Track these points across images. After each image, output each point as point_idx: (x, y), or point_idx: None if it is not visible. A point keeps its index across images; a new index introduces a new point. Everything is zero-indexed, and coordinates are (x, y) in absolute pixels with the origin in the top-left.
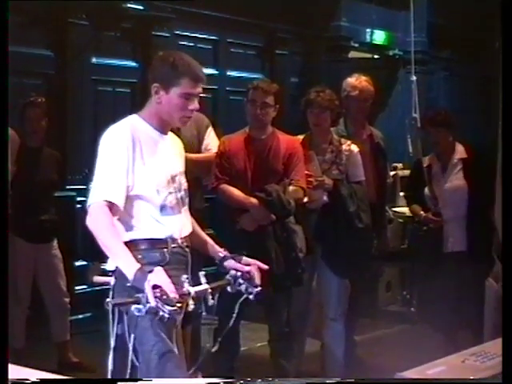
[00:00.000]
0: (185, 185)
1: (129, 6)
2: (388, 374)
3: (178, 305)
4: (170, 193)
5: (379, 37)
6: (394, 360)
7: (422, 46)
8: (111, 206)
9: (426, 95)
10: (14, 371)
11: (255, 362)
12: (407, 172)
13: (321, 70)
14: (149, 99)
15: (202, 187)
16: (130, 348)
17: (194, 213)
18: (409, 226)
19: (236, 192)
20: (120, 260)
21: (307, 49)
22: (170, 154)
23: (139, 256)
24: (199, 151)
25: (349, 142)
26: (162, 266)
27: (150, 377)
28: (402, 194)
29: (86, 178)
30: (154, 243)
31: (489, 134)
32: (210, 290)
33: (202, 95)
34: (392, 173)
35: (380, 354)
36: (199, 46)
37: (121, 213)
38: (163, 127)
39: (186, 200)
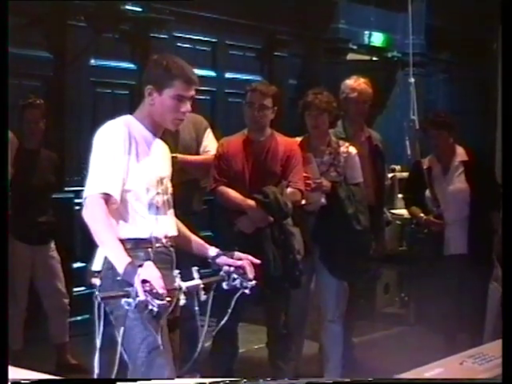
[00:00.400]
0: (170, 189)
1: (127, 8)
2: (386, 376)
3: (168, 299)
4: (158, 193)
5: (378, 39)
6: (392, 362)
7: (420, 48)
8: (107, 199)
9: (425, 97)
10: (13, 373)
11: (253, 364)
12: (405, 174)
13: (319, 71)
14: (142, 101)
15: (200, 189)
16: (119, 343)
17: (192, 214)
18: (407, 229)
19: (234, 194)
20: (112, 253)
21: (306, 51)
22: (160, 157)
23: None
24: (197, 153)
25: (347, 144)
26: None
27: (137, 374)
28: (400, 196)
29: (85, 180)
30: (139, 243)
31: (487, 136)
32: (202, 285)
33: (197, 97)
34: (390, 175)
35: (378, 356)
36: (198, 47)
37: (112, 208)
38: (156, 129)
39: (172, 204)
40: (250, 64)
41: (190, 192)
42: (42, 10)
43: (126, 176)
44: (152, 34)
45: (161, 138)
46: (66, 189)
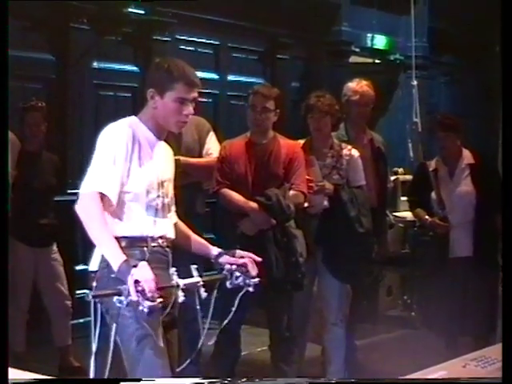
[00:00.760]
0: (171, 193)
1: (130, 10)
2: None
3: (159, 300)
4: (158, 196)
5: (380, 42)
6: (395, 365)
7: (422, 50)
8: (102, 198)
9: (427, 100)
10: (15, 375)
11: (256, 367)
12: (408, 177)
13: (322, 74)
14: (146, 104)
15: (202, 192)
16: (112, 341)
17: (194, 217)
18: (410, 231)
19: (236, 196)
20: (107, 250)
21: (308, 53)
22: (162, 160)
23: None
24: (200, 156)
25: (349, 147)
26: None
27: (132, 372)
28: (403, 198)
29: None
30: (134, 241)
31: (490, 139)
32: (202, 283)
33: (199, 100)
34: (393, 177)
35: (380, 359)
36: (200, 50)
37: (108, 207)
38: (159, 132)
39: (172, 207)
40: (252, 67)
41: (192, 194)
42: (45, 13)
43: (126, 179)
44: (154, 37)
45: (164, 141)
46: (69, 191)
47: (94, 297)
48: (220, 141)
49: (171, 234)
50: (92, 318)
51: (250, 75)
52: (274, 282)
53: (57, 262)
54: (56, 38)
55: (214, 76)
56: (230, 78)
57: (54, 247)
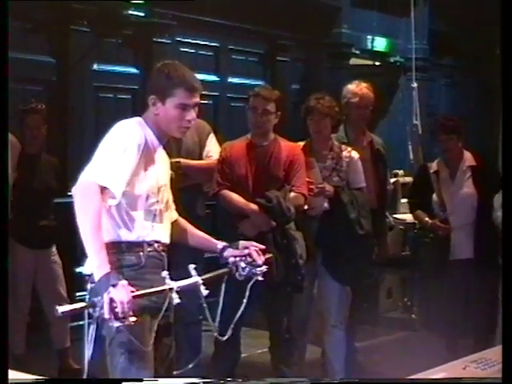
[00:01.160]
0: (167, 198)
1: (130, 12)
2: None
3: (133, 319)
4: (157, 201)
5: (380, 44)
6: (395, 367)
7: (423, 53)
8: (103, 192)
9: (427, 102)
10: (15, 377)
11: (256, 369)
12: (408, 179)
13: (322, 76)
14: (146, 109)
15: (203, 194)
16: (91, 340)
17: (195, 219)
18: (410, 233)
19: (236, 198)
20: (94, 255)
21: (308, 55)
22: (162, 165)
23: (115, 258)
24: (200, 158)
25: (349, 149)
26: (137, 269)
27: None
28: (403, 200)
29: None
30: (130, 246)
31: (491, 141)
32: (201, 282)
33: (201, 102)
34: (393, 180)
35: (381, 361)
36: (200, 52)
37: (107, 208)
38: (162, 137)
39: (167, 213)
40: (252, 69)
41: (192, 196)
42: (45, 15)
43: (131, 179)
44: (155, 39)
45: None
46: (69, 193)
47: (62, 313)
48: (220, 143)
49: (166, 239)
50: (85, 325)
51: (250, 77)
52: (273, 284)
53: (56, 263)
54: (56, 40)
55: (214, 78)
56: (230, 80)
57: (54, 249)
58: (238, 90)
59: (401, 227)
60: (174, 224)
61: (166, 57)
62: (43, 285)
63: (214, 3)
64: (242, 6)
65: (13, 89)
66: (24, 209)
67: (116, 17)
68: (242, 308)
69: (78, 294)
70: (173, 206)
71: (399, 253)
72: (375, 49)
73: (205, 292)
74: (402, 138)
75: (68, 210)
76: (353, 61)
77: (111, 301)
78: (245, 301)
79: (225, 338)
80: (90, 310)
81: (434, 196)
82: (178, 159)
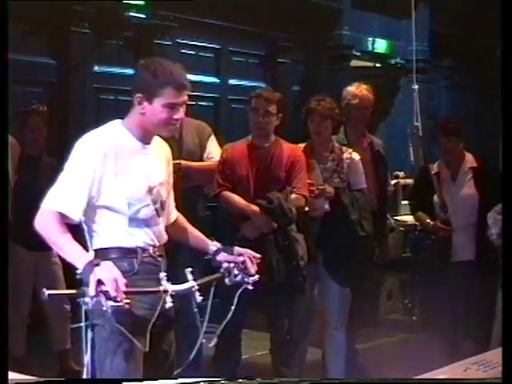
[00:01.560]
0: (163, 196)
1: (131, 14)
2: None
3: (126, 301)
4: (147, 205)
5: (381, 45)
6: (396, 369)
7: (423, 54)
8: (63, 216)
9: (428, 104)
10: (15, 378)
11: (257, 370)
12: (409, 180)
13: (323, 78)
14: (132, 108)
15: (203, 195)
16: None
17: (196, 221)
18: (411, 235)
19: (237, 199)
20: (70, 255)
21: (309, 57)
22: (151, 165)
23: None
24: (201, 160)
25: (350, 150)
26: (130, 275)
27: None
28: (403, 202)
29: None
30: (123, 252)
31: (491, 142)
32: (196, 287)
33: (200, 104)
34: (394, 181)
35: (381, 363)
36: (201, 54)
37: (87, 220)
38: (146, 137)
39: (163, 212)
40: (253, 71)
41: (193, 198)
42: (46, 17)
43: (98, 193)
44: (156, 41)
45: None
46: None
47: (49, 296)
48: (221, 144)
49: (162, 239)
50: (83, 328)
51: (251, 79)
52: (275, 285)
53: (56, 265)
54: (57, 42)
55: (215, 80)
56: (231, 81)
57: (54, 251)
58: (238, 91)
59: (402, 229)
60: (174, 222)
61: (166, 58)
62: (43, 286)
63: (214, 5)
64: (242, 7)
65: (13, 90)
66: (25, 211)
67: (117, 18)
68: (228, 316)
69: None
70: (173, 204)
71: (400, 254)
72: (376, 50)
73: (199, 298)
74: (403, 139)
75: None
76: (353, 62)
77: (99, 282)
78: (232, 308)
79: (210, 345)
80: (81, 303)
81: (435, 197)
82: (178, 161)
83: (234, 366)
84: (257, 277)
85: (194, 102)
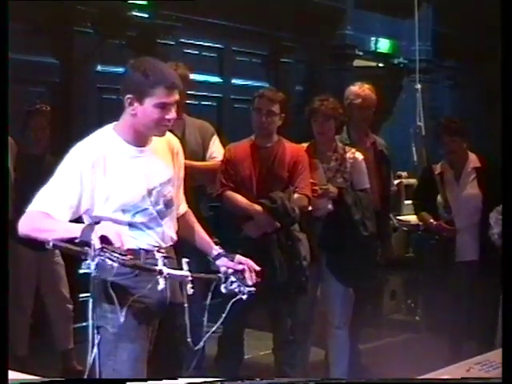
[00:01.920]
0: (167, 195)
1: (134, 14)
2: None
3: (130, 257)
4: (143, 210)
5: (384, 45)
6: (399, 369)
7: (426, 54)
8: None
9: (431, 104)
10: (16, 377)
11: (259, 370)
12: (412, 180)
13: (326, 78)
14: (124, 110)
15: (206, 195)
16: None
17: (199, 220)
18: (414, 235)
19: (240, 199)
20: (66, 231)
21: (312, 57)
22: (150, 166)
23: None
24: (204, 159)
25: (353, 150)
26: (131, 277)
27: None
28: (406, 202)
29: None
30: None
31: (494, 142)
32: (190, 278)
33: (203, 103)
34: (397, 181)
35: (384, 363)
36: (204, 54)
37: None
38: (139, 140)
39: (167, 212)
40: (256, 70)
41: (196, 198)
42: (49, 16)
43: (91, 205)
44: (159, 41)
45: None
46: None
47: (54, 246)
48: (224, 144)
49: (169, 240)
50: (90, 327)
51: (254, 79)
52: (277, 285)
53: (59, 265)
54: (60, 42)
55: (218, 79)
56: (234, 81)
57: (57, 250)
58: (241, 91)
59: (405, 229)
60: (182, 218)
61: (169, 58)
62: (46, 286)
63: (217, 5)
64: (245, 7)
65: (16, 90)
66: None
67: (120, 18)
68: (218, 323)
69: (80, 295)
70: (183, 199)
71: (403, 254)
72: (379, 50)
73: (190, 291)
74: (406, 139)
75: None
76: (356, 62)
77: (102, 238)
78: (223, 315)
79: (196, 348)
80: (84, 267)
81: (439, 197)
82: None
83: (236, 365)
84: (253, 289)
85: (196, 102)
